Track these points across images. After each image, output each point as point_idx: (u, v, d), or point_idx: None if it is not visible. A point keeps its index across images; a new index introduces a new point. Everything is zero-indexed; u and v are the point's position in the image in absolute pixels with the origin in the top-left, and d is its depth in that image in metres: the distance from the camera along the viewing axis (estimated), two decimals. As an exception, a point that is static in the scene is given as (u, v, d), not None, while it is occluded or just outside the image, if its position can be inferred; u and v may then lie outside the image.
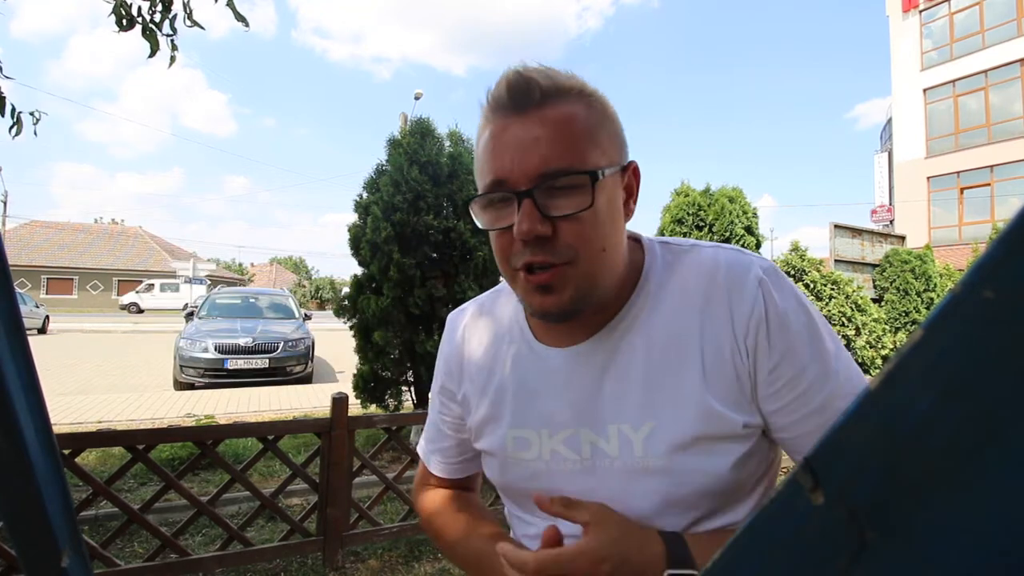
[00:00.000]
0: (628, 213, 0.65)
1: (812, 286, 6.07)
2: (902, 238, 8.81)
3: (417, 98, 14.40)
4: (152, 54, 2.73)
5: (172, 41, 2.81)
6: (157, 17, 2.74)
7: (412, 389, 4.61)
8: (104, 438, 2.46)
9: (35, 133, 2.93)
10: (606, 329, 0.66)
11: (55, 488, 0.41)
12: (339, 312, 4.64)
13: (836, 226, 7.43)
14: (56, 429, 0.45)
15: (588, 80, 0.64)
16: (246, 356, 7.84)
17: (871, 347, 5.95)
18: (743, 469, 0.62)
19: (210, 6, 2.73)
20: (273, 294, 10.61)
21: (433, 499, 0.83)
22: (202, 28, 2.85)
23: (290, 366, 8.15)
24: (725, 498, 0.63)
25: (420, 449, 0.87)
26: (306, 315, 9.91)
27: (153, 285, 31.59)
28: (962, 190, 17.48)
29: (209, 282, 24.80)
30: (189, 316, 9.27)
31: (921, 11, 18.41)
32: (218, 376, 7.65)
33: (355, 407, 3.80)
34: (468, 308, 0.82)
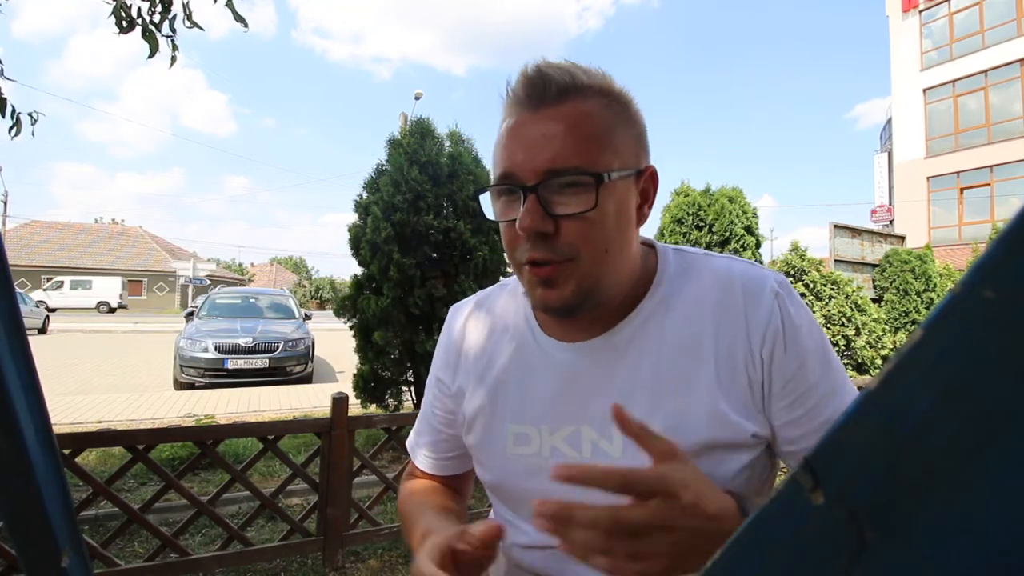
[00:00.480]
0: (641, 218, 0.65)
1: (812, 286, 6.07)
2: (902, 238, 8.81)
3: (417, 98, 14.40)
4: (152, 55, 2.73)
5: (172, 42, 2.81)
6: (157, 18, 2.74)
7: (412, 389, 4.61)
8: (104, 438, 2.46)
9: (32, 134, 2.93)
10: (616, 328, 0.65)
11: (55, 488, 0.41)
12: (339, 312, 4.64)
13: (836, 226, 7.43)
14: (56, 429, 0.45)
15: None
16: (246, 356, 7.84)
17: (871, 347, 5.95)
18: (746, 478, 0.62)
19: (210, 7, 2.73)
20: (273, 294, 10.61)
21: (411, 485, 0.82)
22: (201, 29, 2.85)
23: (290, 366, 8.15)
24: None
25: (408, 443, 0.86)
26: (306, 315, 9.91)
27: (63, 283, 29.08)
28: (962, 190, 17.48)
29: (124, 280, 23.68)
30: (189, 316, 9.26)
31: (921, 11, 18.40)
32: (218, 376, 7.64)
33: (355, 407, 3.80)
34: (471, 300, 0.81)
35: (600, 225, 0.58)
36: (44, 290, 28.52)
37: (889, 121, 21.59)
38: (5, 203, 29.60)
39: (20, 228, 35.03)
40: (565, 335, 0.68)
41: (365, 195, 4.59)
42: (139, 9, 2.70)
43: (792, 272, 6.18)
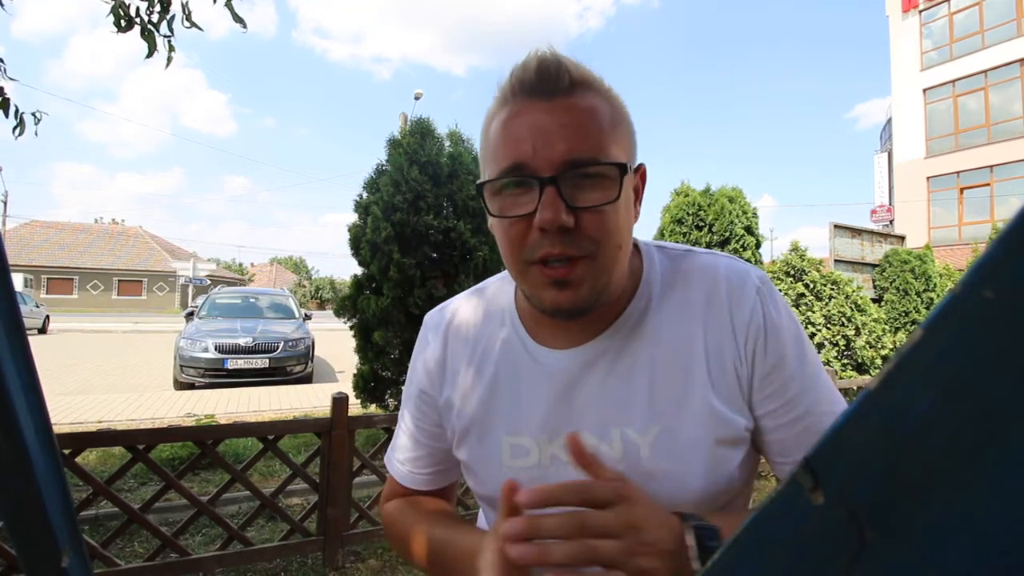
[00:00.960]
0: (635, 215, 0.64)
1: (812, 286, 6.07)
2: (902, 238, 8.81)
3: (417, 98, 14.40)
4: (150, 54, 2.73)
5: (169, 42, 2.81)
6: (155, 18, 2.74)
7: (412, 389, 4.61)
8: (104, 438, 2.46)
9: (36, 133, 2.94)
10: (608, 332, 0.64)
11: (55, 488, 0.41)
12: (339, 312, 4.64)
13: (836, 226, 7.43)
14: (56, 429, 0.45)
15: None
16: (246, 356, 7.84)
17: (871, 347, 5.94)
18: (743, 472, 0.63)
19: (210, 7, 2.73)
20: (273, 294, 10.61)
21: (398, 504, 0.78)
22: (200, 29, 2.85)
23: (290, 366, 8.15)
24: (725, 498, 0.63)
25: (388, 461, 0.81)
26: (306, 315, 9.91)
27: None
28: (962, 190, 17.48)
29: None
30: (189, 316, 9.26)
31: (921, 11, 18.40)
32: (218, 376, 7.64)
33: (355, 407, 3.81)
34: (448, 307, 0.77)
35: (617, 218, 0.57)
36: None
37: (889, 121, 21.59)
38: (5, 203, 29.61)
39: (20, 228, 35.03)
40: (556, 342, 0.66)
41: (365, 195, 4.59)
42: (137, 9, 2.70)
43: (792, 272, 6.18)
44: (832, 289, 6.07)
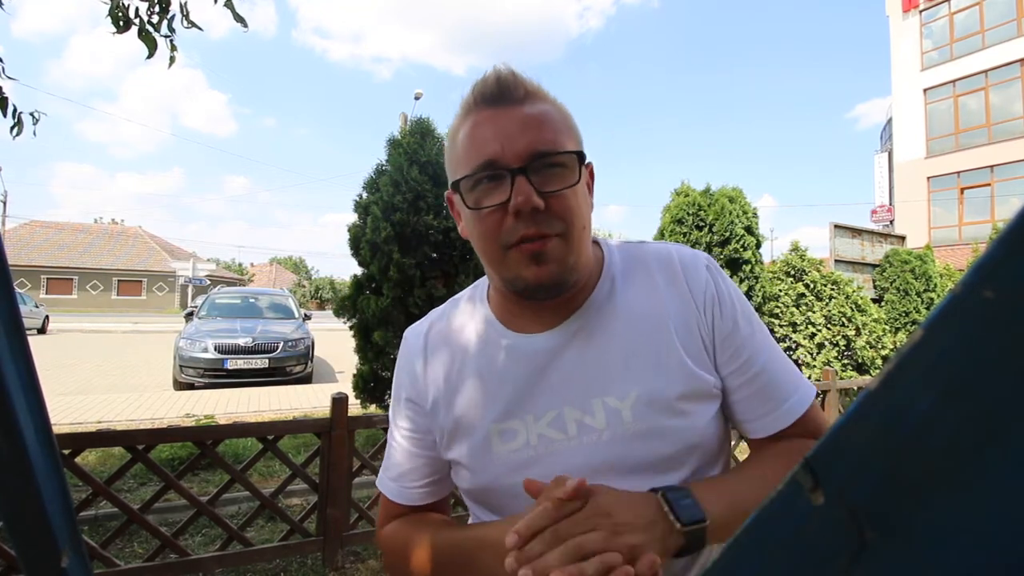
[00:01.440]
0: (590, 206, 0.72)
1: (812, 286, 6.07)
2: (902, 238, 8.81)
3: (417, 98, 14.41)
4: (150, 55, 2.73)
5: (171, 42, 2.81)
6: (155, 18, 2.74)
7: (412, 389, 4.61)
8: (104, 438, 2.46)
9: (34, 133, 2.94)
10: (579, 312, 0.70)
11: (55, 488, 0.41)
12: (339, 312, 4.64)
13: (836, 226, 7.43)
14: (56, 429, 0.45)
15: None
16: (246, 356, 7.84)
17: (871, 347, 5.94)
18: (717, 426, 0.70)
19: (210, 6, 2.73)
20: (273, 294, 10.61)
21: (396, 524, 0.78)
22: (200, 29, 2.85)
23: (290, 366, 8.15)
24: (706, 455, 0.69)
25: (380, 483, 0.81)
26: (306, 315, 9.91)
27: None
28: (962, 190, 17.48)
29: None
30: (189, 316, 9.26)
31: (921, 11, 18.41)
32: (218, 376, 7.64)
33: (355, 407, 3.81)
34: (426, 320, 0.82)
35: (579, 201, 0.65)
36: None
37: (889, 121, 21.59)
38: (5, 203, 29.61)
39: (19, 228, 35.04)
40: (529, 327, 0.71)
41: (365, 195, 4.59)
42: (136, 9, 2.70)
43: (792, 272, 6.18)
44: (832, 289, 6.07)
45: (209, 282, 24.66)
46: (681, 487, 0.61)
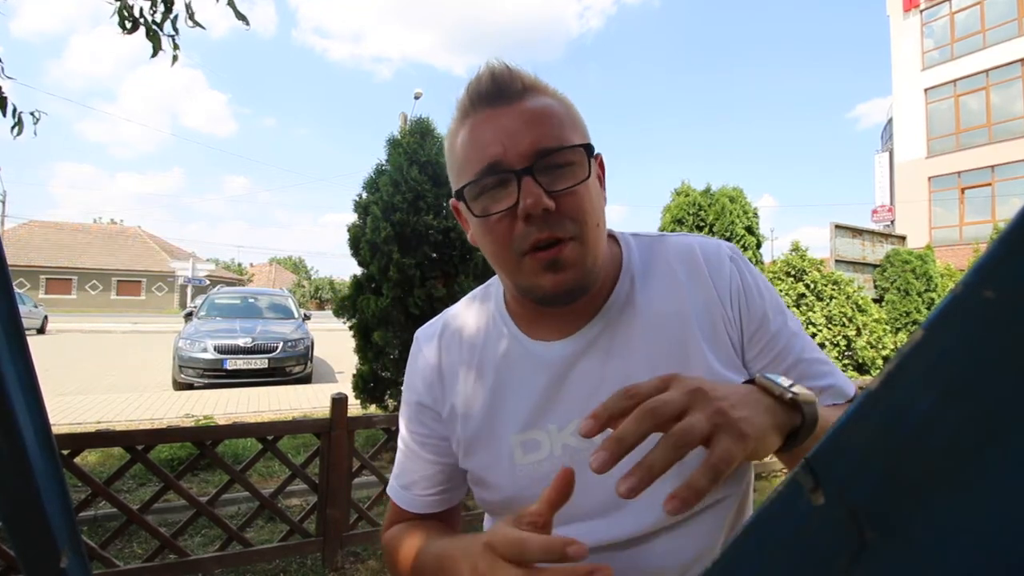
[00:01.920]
0: (603, 199, 0.68)
1: (812, 286, 6.07)
2: (903, 238, 8.81)
3: (417, 98, 14.41)
4: (155, 54, 2.74)
5: (174, 40, 2.81)
6: (158, 17, 2.74)
7: (412, 389, 4.61)
8: (103, 438, 2.46)
9: (35, 133, 2.94)
10: (599, 315, 0.67)
11: (54, 488, 0.41)
12: (339, 312, 4.64)
13: (837, 226, 7.43)
14: (56, 429, 0.45)
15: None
16: (245, 356, 7.84)
17: (872, 347, 5.94)
18: None
19: (211, 6, 2.73)
20: (272, 294, 10.60)
21: (399, 527, 0.75)
22: (203, 28, 2.85)
23: (289, 366, 8.15)
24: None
25: (390, 489, 0.78)
26: (305, 315, 9.91)
27: None
28: (963, 190, 17.48)
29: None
30: (188, 316, 9.26)
31: (922, 11, 18.41)
32: (217, 376, 7.64)
33: (355, 407, 3.81)
34: (438, 322, 0.78)
35: (591, 197, 0.61)
36: None
37: (890, 121, 21.59)
38: (4, 203, 29.62)
39: (19, 228, 35.04)
40: (550, 334, 0.68)
41: (365, 195, 4.59)
42: (141, 9, 2.71)
43: (793, 272, 6.18)
44: (833, 289, 6.07)
45: (208, 282, 24.67)
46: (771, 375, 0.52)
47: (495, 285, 0.76)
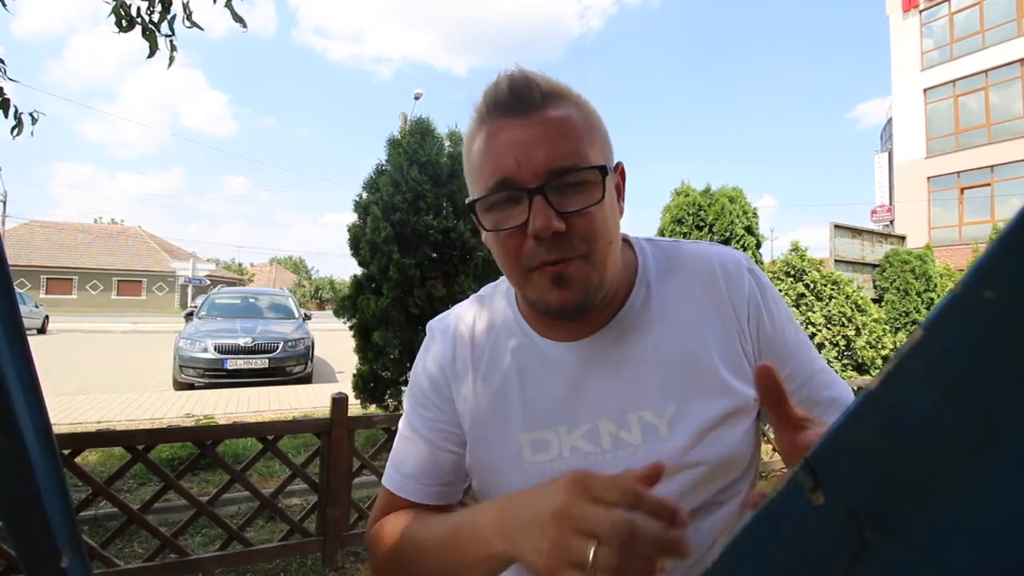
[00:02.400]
0: (620, 211, 0.67)
1: (812, 286, 6.07)
2: (902, 238, 8.81)
3: (417, 98, 14.41)
4: (151, 54, 2.74)
5: (171, 41, 2.81)
6: (156, 17, 2.74)
7: (412, 389, 4.61)
8: (104, 438, 2.46)
9: (32, 133, 2.94)
10: (614, 321, 0.67)
11: (55, 488, 0.41)
12: (339, 312, 4.64)
13: (836, 226, 7.43)
14: (56, 429, 0.45)
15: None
16: (246, 356, 7.84)
17: (871, 347, 5.94)
18: (751, 438, 0.67)
19: (210, 7, 2.73)
20: (273, 294, 10.61)
21: (394, 516, 0.70)
22: (201, 29, 2.85)
23: (290, 366, 8.15)
24: (736, 469, 0.66)
25: (388, 479, 0.72)
26: (306, 315, 9.91)
27: None
28: (962, 190, 17.48)
29: None
30: (189, 316, 9.26)
31: (921, 11, 18.41)
32: (218, 376, 7.64)
33: (355, 407, 3.81)
34: (451, 313, 0.78)
35: (604, 218, 0.60)
36: None
37: (889, 121, 21.59)
38: (4, 203, 29.60)
39: (19, 228, 35.02)
40: (562, 336, 0.68)
41: (365, 195, 4.59)
42: (138, 9, 2.71)
43: (792, 272, 6.18)
44: (832, 289, 6.07)
45: (209, 282, 24.66)
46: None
47: (509, 284, 0.74)
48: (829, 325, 5.88)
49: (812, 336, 5.76)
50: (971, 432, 0.16)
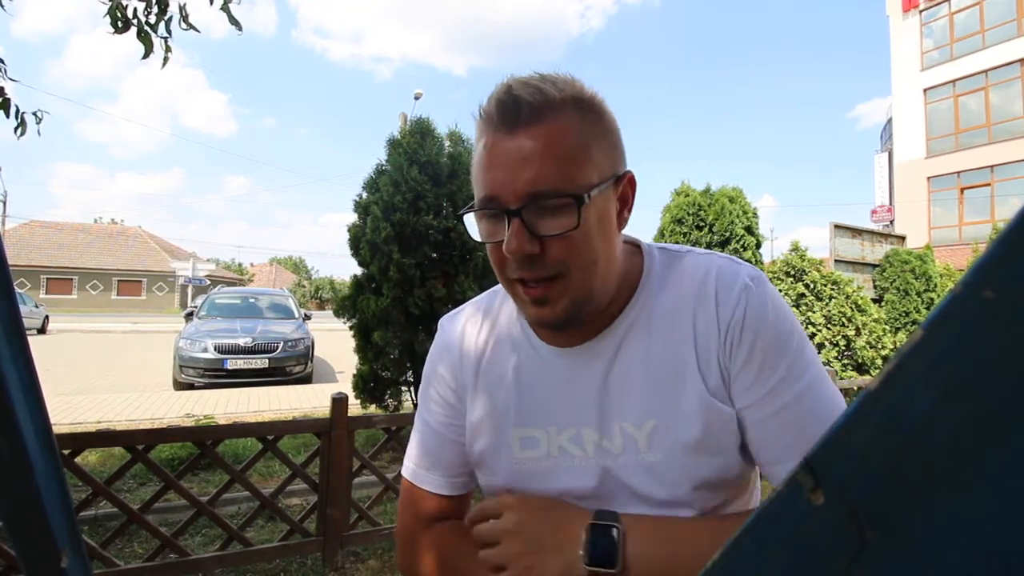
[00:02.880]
0: (621, 223, 0.66)
1: (812, 286, 6.07)
2: (902, 238, 8.81)
3: (417, 98, 14.42)
4: (146, 55, 2.74)
5: (166, 42, 2.81)
6: (152, 19, 2.75)
7: (412, 389, 4.61)
8: (104, 438, 2.46)
9: (39, 133, 2.95)
10: (608, 330, 0.68)
11: (55, 488, 0.41)
12: (339, 312, 4.64)
13: (836, 226, 7.43)
14: (56, 429, 0.45)
15: (588, 81, 0.64)
16: (246, 356, 7.84)
17: (871, 347, 5.94)
18: (736, 462, 0.65)
19: (209, 7, 2.73)
20: (273, 294, 10.62)
21: (448, 535, 0.75)
22: (197, 31, 2.85)
23: (290, 366, 8.15)
24: (720, 491, 0.65)
25: (411, 473, 0.78)
26: (306, 315, 9.91)
27: None
28: (962, 190, 17.48)
29: None
30: (189, 316, 9.27)
31: (921, 11, 18.41)
32: (218, 376, 7.65)
33: (355, 407, 3.80)
34: (463, 310, 0.81)
35: (584, 240, 0.60)
36: None
37: (889, 121, 21.59)
38: (4, 203, 29.59)
39: (19, 228, 35.02)
40: (559, 341, 0.70)
41: (365, 195, 4.59)
42: (135, 10, 2.71)
43: (792, 272, 6.18)
44: (832, 289, 6.07)
45: (209, 282, 24.66)
46: (615, 522, 0.60)
47: None
48: (829, 325, 5.88)
49: (812, 336, 5.76)
50: (971, 432, 0.16)
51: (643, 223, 17.33)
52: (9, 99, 2.78)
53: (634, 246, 0.72)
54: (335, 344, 12.24)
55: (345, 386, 6.06)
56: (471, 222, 0.65)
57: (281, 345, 8.12)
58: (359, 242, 4.43)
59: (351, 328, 4.56)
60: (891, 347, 6.09)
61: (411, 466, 0.79)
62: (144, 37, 2.71)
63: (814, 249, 6.83)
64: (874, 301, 7.36)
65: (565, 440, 0.68)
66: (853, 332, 5.86)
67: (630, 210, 0.67)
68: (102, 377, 8.60)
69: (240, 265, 62.22)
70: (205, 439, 2.54)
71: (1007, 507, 0.15)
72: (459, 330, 0.79)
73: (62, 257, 34.23)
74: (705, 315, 0.65)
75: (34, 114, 2.90)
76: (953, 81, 17.56)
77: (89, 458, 4.01)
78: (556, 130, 0.59)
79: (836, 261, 7.29)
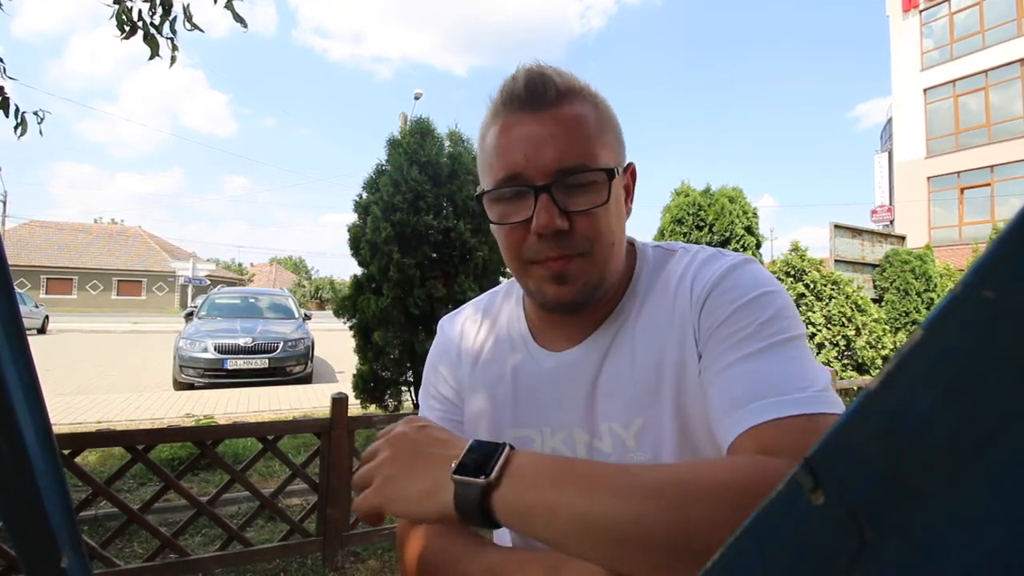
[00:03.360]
0: (627, 212, 0.68)
1: (812, 286, 6.07)
2: (902, 238, 8.81)
3: (417, 98, 14.41)
4: (152, 57, 2.74)
5: (172, 42, 2.82)
6: (157, 20, 2.75)
7: (412, 389, 4.61)
8: (104, 438, 2.46)
9: (40, 132, 2.95)
10: (599, 332, 0.68)
11: (55, 488, 0.41)
12: (339, 312, 4.64)
13: (836, 226, 7.43)
14: (56, 429, 0.45)
15: (588, 81, 0.65)
16: (246, 356, 7.84)
17: (871, 347, 5.94)
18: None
19: (210, 7, 2.74)
20: (273, 294, 10.62)
21: (441, 538, 0.65)
22: (201, 31, 2.86)
23: (290, 366, 8.15)
24: None
25: None
26: (306, 315, 9.92)
27: None
28: (962, 190, 17.48)
29: None
30: (189, 316, 9.27)
31: (921, 11, 18.40)
32: (218, 376, 7.65)
33: (355, 407, 3.81)
34: (463, 310, 0.82)
35: (608, 219, 0.61)
36: None
37: (889, 121, 21.59)
38: (4, 203, 29.59)
39: (19, 228, 35.02)
40: (554, 344, 0.71)
41: (365, 195, 4.59)
42: (140, 12, 2.71)
43: (792, 272, 6.18)
44: (832, 289, 6.06)
45: (209, 282, 24.65)
46: (498, 468, 0.47)
47: (518, 285, 0.76)
48: (829, 325, 5.88)
49: (812, 336, 5.76)
50: (971, 432, 0.16)
51: (643, 223, 17.35)
52: (8, 98, 2.78)
53: (628, 244, 0.72)
54: (335, 344, 12.24)
55: (345, 386, 6.06)
56: (487, 206, 0.64)
57: (281, 345, 8.12)
58: (359, 242, 4.43)
59: (351, 328, 4.56)
60: (891, 347, 6.09)
61: None
62: (150, 39, 2.72)
63: (814, 249, 6.83)
64: (874, 301, 7.36)
65: (558, 441, 0.69)
66: (853, 332, 5.86)
67: (632, 200, 0.69)
68: (102, 377, 8.60)
69: (240, 265, 62.22)
70: (205, 439, 2.54)
71: (1007, 507, 0.15)
72: (458, 330, 0.79)
73: (62, 257, 34.23)
74: (682, 302, 0.63)
75: (35, 114, 2.90)
76: (953, 81, 17.55)
77: (89, 458, 4.01)
78: (578, 113, 0.60)
79: (836, 261, 7.29)
